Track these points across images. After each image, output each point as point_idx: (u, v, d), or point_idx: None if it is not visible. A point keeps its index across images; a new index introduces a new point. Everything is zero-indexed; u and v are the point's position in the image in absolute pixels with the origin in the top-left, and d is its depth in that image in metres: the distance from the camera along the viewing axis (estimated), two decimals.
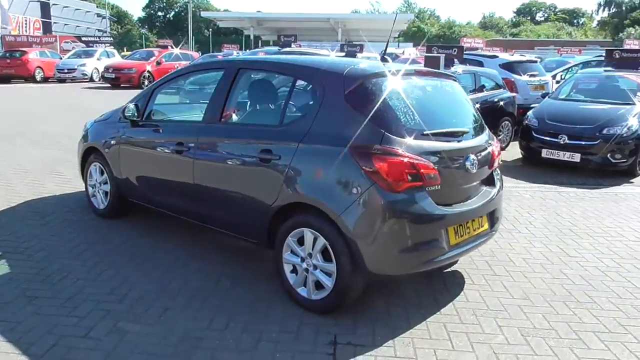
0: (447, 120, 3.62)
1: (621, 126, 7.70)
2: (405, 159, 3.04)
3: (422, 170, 3.08)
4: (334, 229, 3.13)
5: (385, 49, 4.79)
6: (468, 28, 68.46)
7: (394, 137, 3.08)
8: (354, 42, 14.50)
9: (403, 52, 23.52)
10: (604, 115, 7.96)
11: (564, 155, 7.80)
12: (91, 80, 22.27)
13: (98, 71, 22.16)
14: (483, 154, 3.61)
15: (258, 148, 3.50)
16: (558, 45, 41.63)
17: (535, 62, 12.46)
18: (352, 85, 3.23)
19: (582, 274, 4.10)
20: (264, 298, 3.54)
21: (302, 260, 3.34)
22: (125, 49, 26.28)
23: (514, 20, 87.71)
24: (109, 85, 20.02)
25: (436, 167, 3.17)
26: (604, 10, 65.37)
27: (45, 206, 5.32)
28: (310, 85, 3.46)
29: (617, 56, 9.84)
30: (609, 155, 7.58)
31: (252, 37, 43.22)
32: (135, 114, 4.43)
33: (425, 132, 3.24)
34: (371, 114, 3.12)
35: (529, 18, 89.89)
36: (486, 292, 3.73)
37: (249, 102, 4.05)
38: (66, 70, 21.63)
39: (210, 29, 69.24)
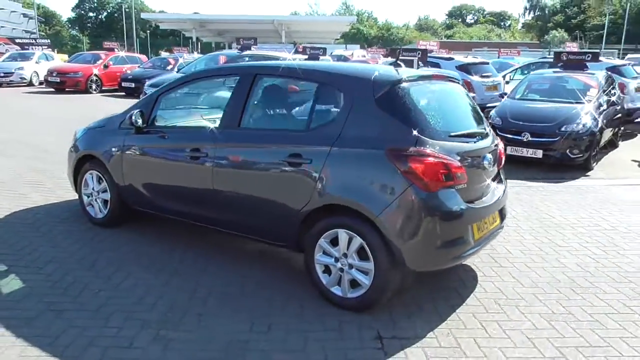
0: (465, 122, 3.84)
1: (577, 124, 8.28)
2: (439, 160, 3.21)
3: (453, 170, 3.27)
4: (371, 229, 3.25)
5: (398, 56, 4.95)
6: (405, 30, 70.43)
7: (426, 139, 3.25)
8: (316, 45, 14.59)
9: (352, 54, 23.94)
10: (560, 114, 8.52)
11: (528, 152, 8.30)
12: (30, 84, 21.14)
13: (38, 75, 21.07)
14: (494, 153, 3.86)
15: (286, 152, 3.56)
16: (492, 47, 43.67)
17: (487, 63, 13.11)
18: (381, 90, 3.37)
19: (576, 262, 4.45)
20: (293, 298, 3.61)
21: (336, 260, 3.44)
22: (56, 51, 24.97)
23: (447, 22, 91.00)
24: (52, 89, 19.09)
25: (463, 167, 3.37)
26: (529, 13, 69.42)
27: (36, 217, 5.10)
28: (337, 91, 3.56)
29: (565, 58, 10.50)
30: (567, 151, 8.14)
31: (194, 39, 42.47)
32: (141, 121, 4.36)
33: (452, 134, 3.44)
34: (403, 118, 3.28)
35: (460, 20, 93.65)
36: (500, 283, 3.97)
37: (269, 108, 4.09)
38: (2, 74, 20.42)
39: (148, 31, 67.28)
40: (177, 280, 3.88)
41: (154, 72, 16.71)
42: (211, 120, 4.29)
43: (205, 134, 4.05)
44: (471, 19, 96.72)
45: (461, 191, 3.35)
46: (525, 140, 8.30)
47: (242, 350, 3.01)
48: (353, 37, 59.87)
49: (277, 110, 4.08)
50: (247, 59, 11.30)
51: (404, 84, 3.43)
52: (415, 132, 3.24)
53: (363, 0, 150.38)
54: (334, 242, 3.45)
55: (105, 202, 4.84)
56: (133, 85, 16.84)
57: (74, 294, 3.60)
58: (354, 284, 3.41)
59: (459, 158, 3.38)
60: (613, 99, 9.73)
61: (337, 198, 3.37)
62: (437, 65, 11.58)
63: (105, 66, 19.23)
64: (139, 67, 19.12)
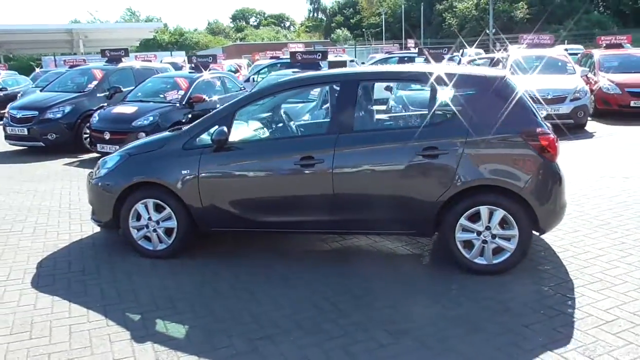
0: None
1: None
2: (554, 136, 3.98)
3: (556, 143, 4.07)
4: (512, 200, 3.87)
5: (460, 58, 5.50)
6: (198, 34, 69.87)
7: (540, 120, 3.99)
8: (205, 54, 13.83)
9: (184, 60, 23.33)
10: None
11: None
12: None
13: None
14: None
15: (419, 147, 3.94)
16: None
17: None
18: (496, 85, 3.99)
19: None
20: (404, 297, 3.88)
21: (478, 234, 3.97)
22: None
23: (234, 25, 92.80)
24: None
25: None
26: (314, 14, 75.38)
27: (80, 258, 4.46)
28: (456, 89, 4.05)
29: (300, 57, 10.68)
30: None
31: None
32: (225, 138, 4.21)
33: (541, 115, 4.23)
34: (525, 106, 3.96)
35: (244, 23, 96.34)
36: None
37: (381, 110, 4.34)
38: None
39: None
40: (290, 299, 3.94)
41: None
42: (301, 127, 4.36)
43: (318, 141, 4.15)
44: (254, 21, 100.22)
45: None
46: None
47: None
48: (147, 43, 57.23)
49: (395, 111, 4.38)
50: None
51: (508, 79, 4.10)
52: (535, 117, 3.94)
53: (149, 7, 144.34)
54: (472, 219, 3.97)
55: (167, 231, 4.47)
56: None
57: (270, 334, 3.35)
58: (496, 251, 3.98)
59: None
60: None
61: (481, 180, 3.89)
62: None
63: None
64: None
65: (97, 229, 5.25)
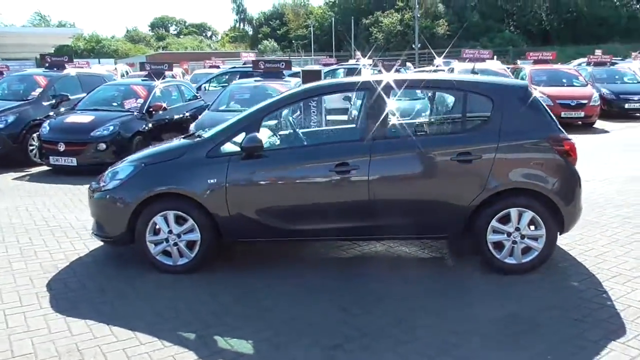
0: None
1: None
2: (573, 141, 4.25)
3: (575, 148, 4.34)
4: (540, 203, 4.08)
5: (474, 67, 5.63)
6: (116, 42, 66.86)
7: (560, 127, 4.25)
8: (160, 62, 13.06)
9: (115, 68, 22.36)
10: None
11: None
12: None
13: None
14: None
15: (453, 153, 4.06)
16: (218, 57, 45.50)
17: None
18: (521, 94, 4.22)
19: None
20: (455, 300, 4.13)
21: (509, 235, 4.14)
22: None
23: (157, 34, 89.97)
24: None
25: None
26: (240, 24, 74.91)
27: (92, 278, 4.13)
28: (485, 97, 4.20)
29: (263, 66, 10.27)
30: None
31: None
32: (258, 145, 4.10)
33: None
34: (546, 114, 4.21)
35: (164, 31, 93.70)
36: None
37: (411, 116, 4.40)
38: None
39: None
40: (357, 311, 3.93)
41: None
42: (333, 133, 4.35)
43: (353, 148, 4.15)
44: (174, 30, 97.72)
45: None
46: None
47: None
48: (60, 50, 53.98)
49: (424, 118, 4.44)
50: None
51: (529, 89, 4.33)
52: (556, 124, 4.20)
53: (59, 11, 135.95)
54: (502, 220, 4.13)
55: (189, 244, 4.26)
56: None
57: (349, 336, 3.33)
58: (524, 251, 4.17)
59: None
60: None
61: (513, 183, 4.07)
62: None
63: None
64: None
65: (93, 245, 4.90)
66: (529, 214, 4.11)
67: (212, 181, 4.17)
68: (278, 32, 64.72)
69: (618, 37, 45.19)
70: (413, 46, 38.99)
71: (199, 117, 9.35)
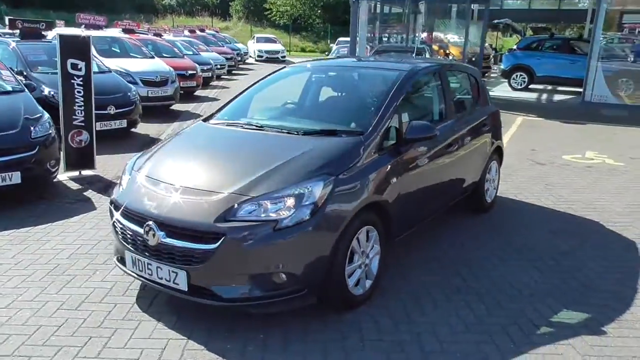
0: None
1: None
2: None
3: None
4: None
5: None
6: None
7: None
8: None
9: None
10: None
11: None
12: None
13: None
14: None
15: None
16: None
17: None
18: None
19: None
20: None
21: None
22: None
23: None
24: None
25: None
26: None
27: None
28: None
29: (21, 26, 9.60)
30: None
31: None
32: (435, 134, 3.79)
33: None
34: None
35: None
36: None
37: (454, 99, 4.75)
38: None
39: None
40: None
41: None
42: (430, 113, 4.54)
43: (452, 128, 4.38)
44: None
45: None
46: None
47: None
48: None
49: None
50: None
51: None
52: None
53: None
54: None
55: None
56: None
57: None
58: None
59: None
60: None
61: None
62: None
63: None
64: None
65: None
66: None
67: (393, 180, 3.49)
68: None
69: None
70: None
71: None
